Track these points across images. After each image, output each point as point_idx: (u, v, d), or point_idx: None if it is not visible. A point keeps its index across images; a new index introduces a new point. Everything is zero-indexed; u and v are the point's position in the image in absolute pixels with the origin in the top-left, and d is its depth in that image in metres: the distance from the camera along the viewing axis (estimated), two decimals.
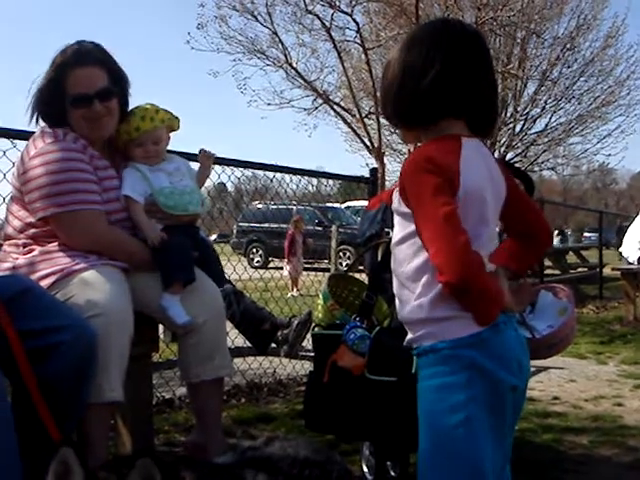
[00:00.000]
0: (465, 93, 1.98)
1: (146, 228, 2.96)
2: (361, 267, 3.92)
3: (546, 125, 22.67)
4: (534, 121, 22.54)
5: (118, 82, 3.03)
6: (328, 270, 13.13)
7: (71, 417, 2.57)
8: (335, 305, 3.12)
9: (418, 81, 1.95)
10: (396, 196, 2.01)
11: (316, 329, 3.16)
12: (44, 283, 2.72)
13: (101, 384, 2.62)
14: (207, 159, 3.34)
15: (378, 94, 17.70)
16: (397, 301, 2.05)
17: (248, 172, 5.74)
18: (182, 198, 3.05)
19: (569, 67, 21.17)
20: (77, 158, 2.86)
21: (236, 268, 5.75)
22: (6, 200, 3.23)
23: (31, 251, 2.86)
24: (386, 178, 15.21)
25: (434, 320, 1.92)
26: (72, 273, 2.75)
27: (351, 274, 3.57)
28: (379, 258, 3.25)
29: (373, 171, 6.46)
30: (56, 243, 2.85)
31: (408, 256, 1.98)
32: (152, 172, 3.03)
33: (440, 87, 1.95)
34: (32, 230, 2.88)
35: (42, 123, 2.98)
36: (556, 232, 25.88)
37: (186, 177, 3.16)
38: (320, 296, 3.23)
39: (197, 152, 3.40)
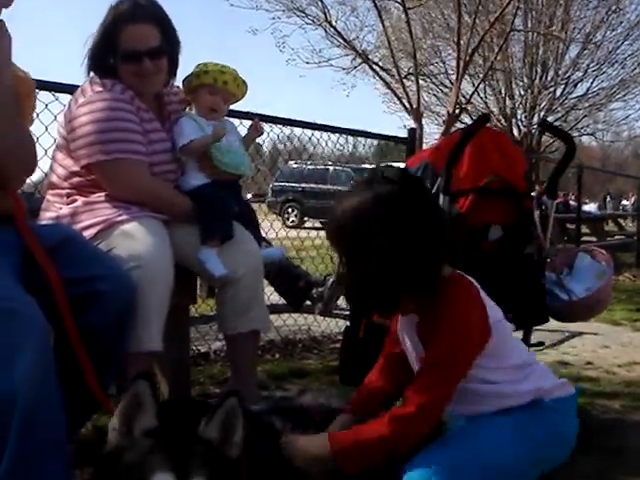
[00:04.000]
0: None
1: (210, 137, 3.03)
2: None
3: (587, 89, 22.38)
4: (575, 85, 22.25)
5: (170, 40, 3.05)
6: None
7: (110, 367, 2.62)
8: None
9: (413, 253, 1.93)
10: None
11: None
12: (87, 234, 2.77)
13: (140, 334, 2.66)
14: (257, 131, 3.39)
15: (418, 55, 17.64)
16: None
17: (286, 130, 5.73)
18: (236, 157, 3.10)
19: (613, 30, 20.80)
20: (124, 108, 2.89)
21: (271, 227, 5.79)
22: (48, 153, 3.28)
23: (74, 201, 2.90)
24: (424, 140, 15.12)
25: None
26: (114, 224, 2.79)
27: None
28: None
29: (411, 131, 6.43)
30: (99, 194, 2.89)
31: None
32: (209, 126, 3.08)
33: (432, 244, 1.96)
34: (76, 179, 2.92)
35: (92, 74, 3.00)
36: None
37: (238, 139, 3.24)
38: None
39: (239, 110, 3.46)
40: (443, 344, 1.95)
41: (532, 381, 2.08)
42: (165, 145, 3.04)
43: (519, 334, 3.47)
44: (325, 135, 5.80)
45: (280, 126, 5.24)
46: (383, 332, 2.89)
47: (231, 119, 3.47)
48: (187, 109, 3.21)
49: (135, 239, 2.73)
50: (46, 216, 2.96)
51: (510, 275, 3.13)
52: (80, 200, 2.90)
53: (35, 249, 2.46)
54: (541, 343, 3.57)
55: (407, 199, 1.96)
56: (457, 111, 18.23)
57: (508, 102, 23.92)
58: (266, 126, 4.96)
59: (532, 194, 3.41)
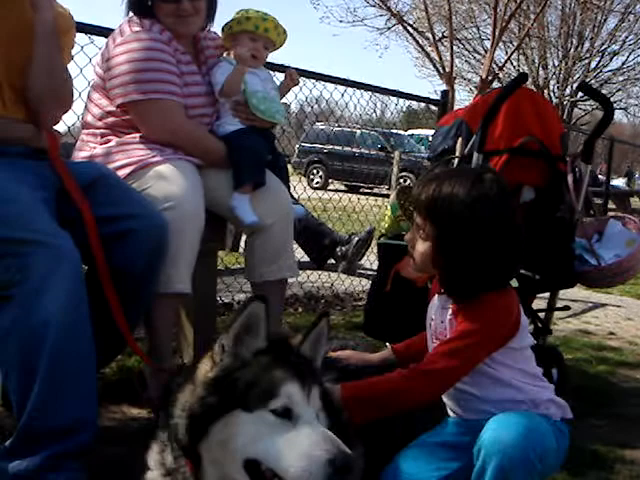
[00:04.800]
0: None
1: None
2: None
3: (623, 63, 22.03)
4: (611, 58, 21.89)
5: None
6: (387, 196, 13.09)
7: (139, 306, 2.64)
8: (403, 216, 3.13)
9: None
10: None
11: (382, 239, 3.18)
12: (120, 173, 2.77)
13: (170, 275, 2.68)
14: (292, 81, 3.36)
15: (453, 19, 17.46)
16: None
17: (316, 90, 5.70)
18: (272, 105, 3.09)
19: None
20: (161, 49, 2.88)
21: (296, 188, 5.79)
22: (82, 95, 3.28)
23: (108, 141, 2.91)
24: (455, 106, 15.01)
25: None
26: (148, 165, 2.79)
27: None
28: None
29: (444, 93, 6.38)
30: (134, 135, 2.89)
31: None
32: (247, 73, 3.06)
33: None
34: (111, 119, 2.92)
35: (131, 14, 2.99)
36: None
37: (274, 88, 3.23)
38: (388, 207, 3.25)
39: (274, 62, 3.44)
40: (479, 320, 1.99)
41: (546, 392, 2.10)
42: (201, 89, 3.02)
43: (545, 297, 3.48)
44: (357, 94, 5.75)
45: (310, 85, 5.19)
46: (410, 286, 2.91)
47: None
48: (224, 55, 3.18)
49: (168, 181, 2.73)
50: (79, 155, 2.97)
51: (540, 237, 3.11)
52: (114, 140, 2.91)
53: (70, 186, 2.48)
54: (567, 307, 3.57)
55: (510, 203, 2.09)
56: (490, 78, 18.05)
57: (541, 72, 23.65)
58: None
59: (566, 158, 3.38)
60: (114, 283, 2.46)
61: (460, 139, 3.37)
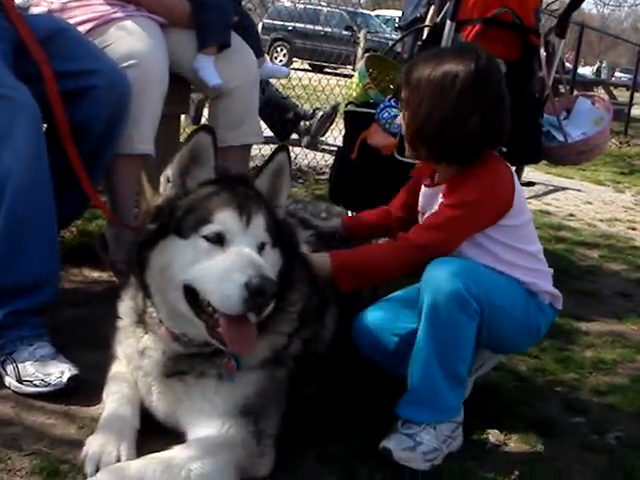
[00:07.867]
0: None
1: None
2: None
3: None
4: None
5: None
6: (352, 77, 12.88)
7: (99, 164, 2.56)
8: (371, 84, 3.06)
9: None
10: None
11: (349, 106, 3.12)
12: (80, 29, 2.63)
13: (132, 135, 2.60)
14: None
15: None
16: None
17: None
18: None
19: None
20: None
21: None
22: None
23: None
24: None
25: None
26: (110, 21, 2.66)
27: None
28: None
29: None
30: None
31: None
32: None
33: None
34: None
35: None
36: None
37: None
38: (356, 74, 3.17)
39: None
40: (469, 192, 1.97)
41: (543, 281, 2.10)
42: None
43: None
44: None
45: None
46: (376, 154, 2.89)
47: None
48: None
49: (131, 38, 2.61)
50: (35, 11, 2.81)
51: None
52: None
53: (27, 38, 2.35)
54: (532, 183, 3.58)
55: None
56: None
57: None
58: None
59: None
60: (75, 139, 2.38)
61: (432, 7, 3.28)
